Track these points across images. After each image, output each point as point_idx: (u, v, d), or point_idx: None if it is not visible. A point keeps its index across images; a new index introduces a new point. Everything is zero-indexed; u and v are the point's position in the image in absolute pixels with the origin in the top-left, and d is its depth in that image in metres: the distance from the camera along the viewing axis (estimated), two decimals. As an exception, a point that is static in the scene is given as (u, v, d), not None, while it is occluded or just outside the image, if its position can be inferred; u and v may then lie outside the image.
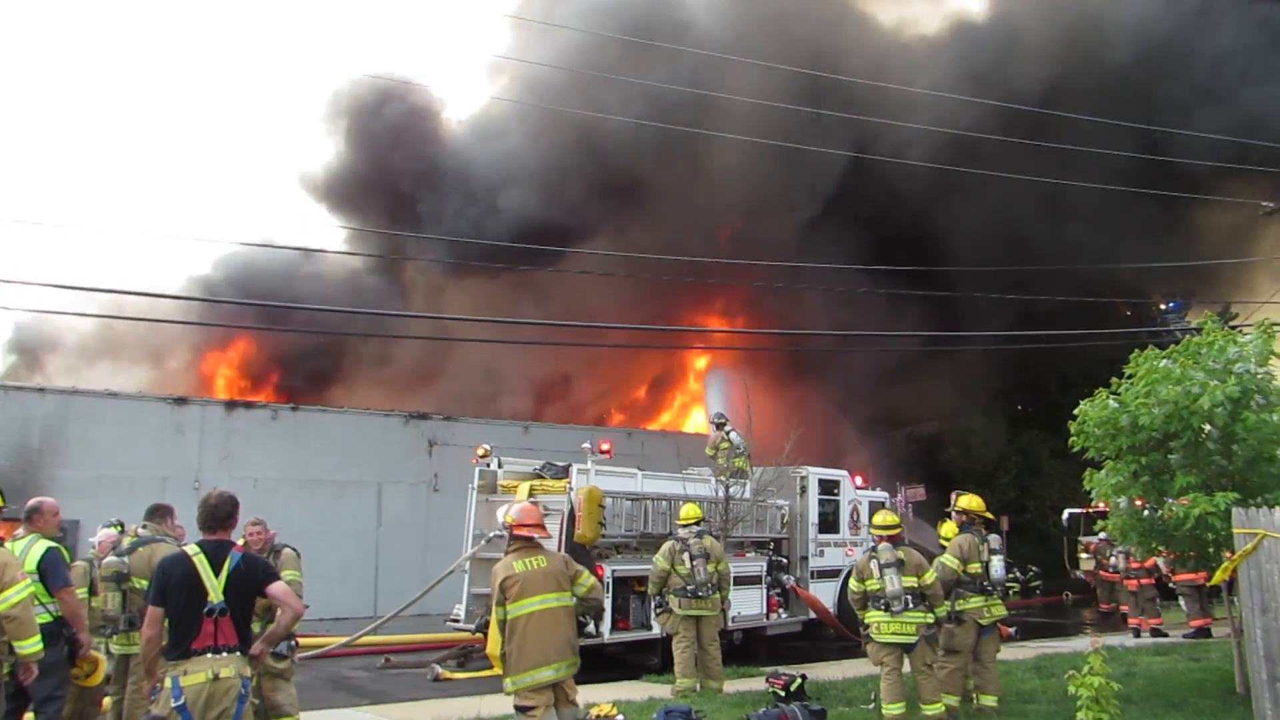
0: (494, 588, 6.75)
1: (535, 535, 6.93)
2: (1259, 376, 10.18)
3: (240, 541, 8.17)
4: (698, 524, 11.84)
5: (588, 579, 7.03)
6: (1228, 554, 9.30)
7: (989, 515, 10.45)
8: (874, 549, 9.69)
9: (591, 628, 12.81)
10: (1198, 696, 10.63)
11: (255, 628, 6.74)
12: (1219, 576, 9.46)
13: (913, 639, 9.34)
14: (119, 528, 9.50)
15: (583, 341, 22.20)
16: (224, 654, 5.30)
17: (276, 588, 5.57)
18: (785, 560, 16.46)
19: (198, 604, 5.31)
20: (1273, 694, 8.39)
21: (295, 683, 8.34)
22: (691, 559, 11.41)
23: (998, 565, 10.02)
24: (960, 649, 9.85)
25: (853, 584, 9.77)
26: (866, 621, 9.61)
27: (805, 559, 16.63)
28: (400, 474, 20.91)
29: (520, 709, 6.56)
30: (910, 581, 9.47)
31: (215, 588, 5.35)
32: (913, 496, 20.80)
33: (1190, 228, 27.10)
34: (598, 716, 8.47)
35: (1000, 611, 10.12)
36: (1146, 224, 27.01)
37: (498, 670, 12.18)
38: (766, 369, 25.25)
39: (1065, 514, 27.30)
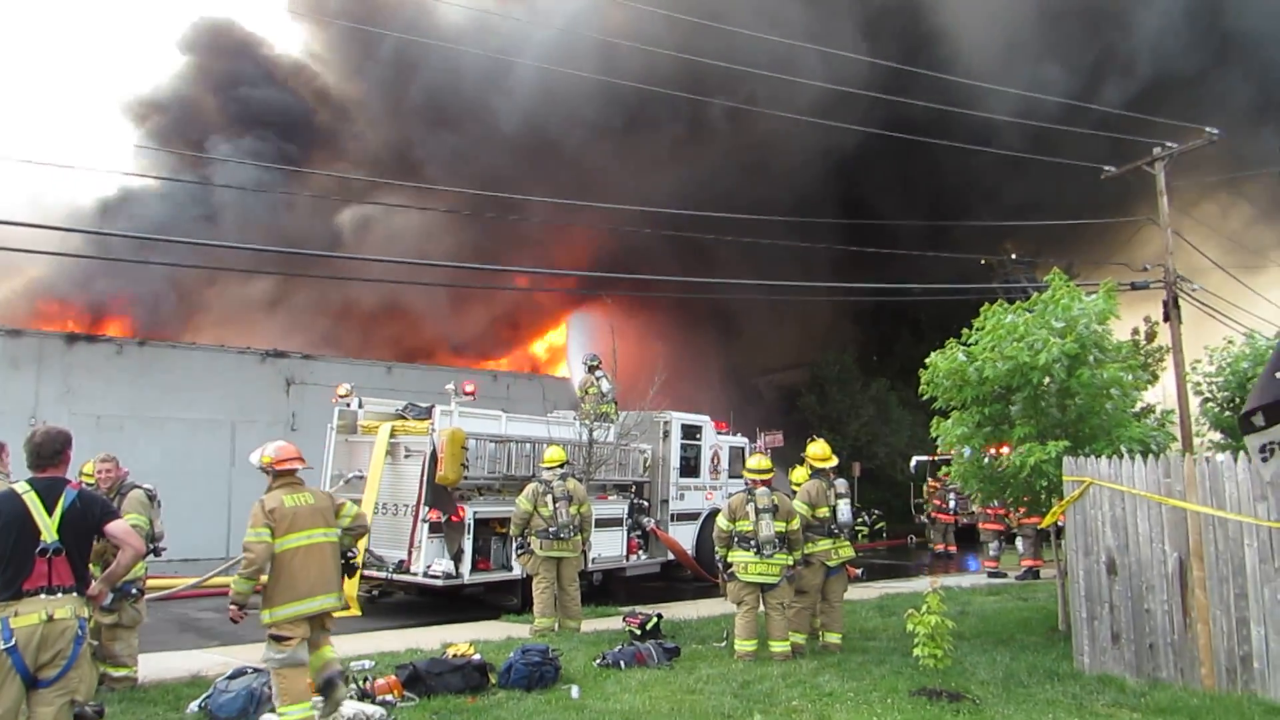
0: (256, 514, 6.64)
1: (297, 467, 6.96)
2: (1098, 333, 10.70)
3: (81, 479, 7.96)
4: (561, 466, 11.87)
5: (351, 509, 7.09)
6: (1058, 500, 9.82)
7: (833, 461, 10.77)
8: (750, 492, 9.97)
9: (451, 568, 12.82)
10: (1024, 633, 11.28)
11: (95, 570, 6.54)
12: (1049, 520, 9.99)
13: (775, 580, 9.72)
14: None
15: (441, 282, 21.99)
16: (59, 595, 5.08)
17: (115, 526, 5.37)
18: (646, 503, 16.71)
19: (29, 543, 5.09)
20: (1090, 631, 8.99)
21: (142, 626, 8.10)
22: (554, 501, 11.46)
23: (844, 509, 10.40)
24: (808, 589, 10.22)
25: (722, 522, 9.99)
26: (730, 560, 9.87)
27: (666, 502, 16.92)
28: (256, 413, 20.23)
29: (277, 638, 6.56)
30: (780, 527, 9.83)
31: (49, 526, 5.12)
32: (771, 442, 21.23)
33: (1041, 189, 28.34)
34: (455, 656, 8.45)
35: (848, 554, 10.49)
36: (1002, 182, 28.22)
37: (354, 611, 12.26)
38: (634, 314, 25.35)
39: (913, 460, 28.45)
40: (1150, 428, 10.89)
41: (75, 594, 5.15)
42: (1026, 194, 28.43)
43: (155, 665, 8.63)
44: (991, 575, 17.94)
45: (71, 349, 18.45)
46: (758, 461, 10.34)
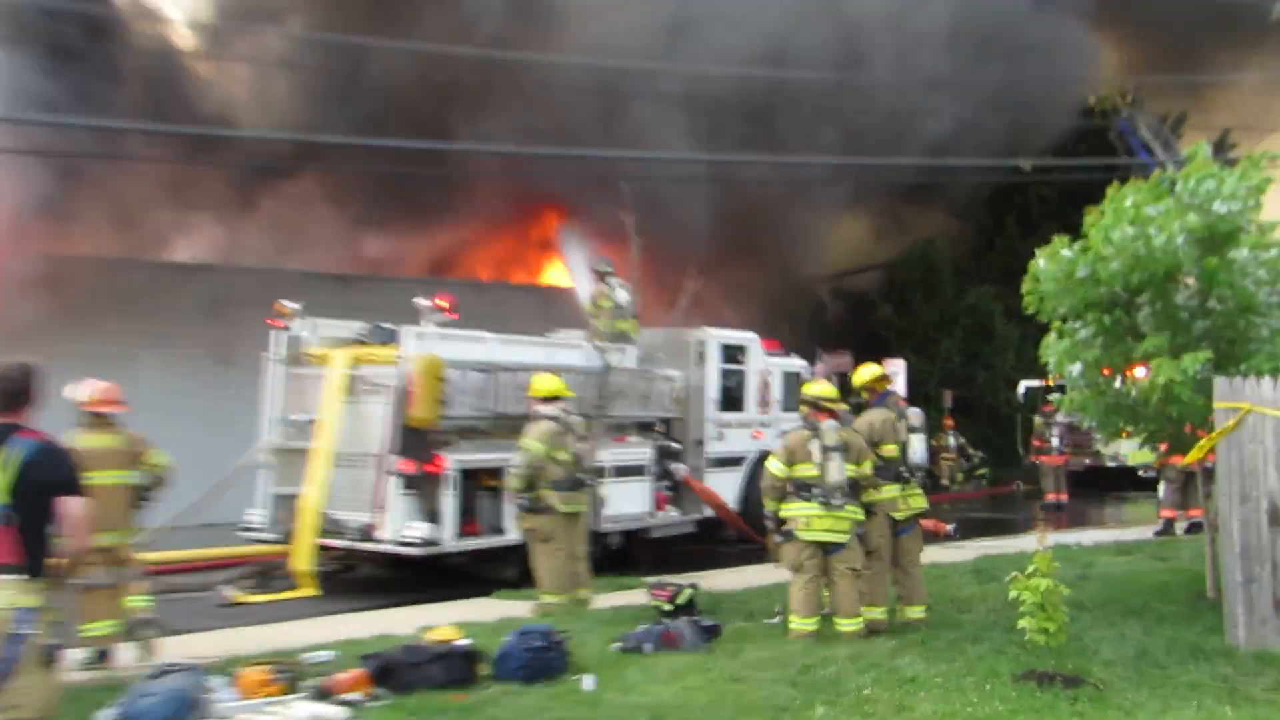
0: None
1: (109, 411, 9.06)
2: (1239, 213, 10.40)
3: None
4: (555, 400, 11.88)
5: (153, 456, 9.30)
6: (1203, 433, 9.80)
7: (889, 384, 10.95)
8: (813, 427, 9.99)
9: (429, 532, 13.03)
10: (1161, 601, 11.31)
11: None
12: (1192, 457, 10.00)
13: (845, 538, 9.78)
14: None
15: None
16: None
17: (72, 504, 5.32)
18: (677, 445, 16.79)
19: None
20: (1247, 596, 8.99)
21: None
22: (576, 442, 11.63)
23: (918, 447, 10.55)
24: (877, 549, 10.33)
25: (776, 468, 9.98)
26: (785, 515, 9.91)
27: (701, 444, 17.01)
28: (172, 340, 20.29)
29: None
30: (851, 470, 9.86)
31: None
32: (836, 366, 21.23)
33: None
34: (436, 643, 8.59)
35: (919, 504, 10.63)
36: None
37: (308, 590, 12.45)
38: (658, 205, 25.13)
39: (1021, 386, 28.48)
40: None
41: (22, 575, 5.09)
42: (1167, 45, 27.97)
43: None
44: (1158, 533, 18.00)
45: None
46: (821, 387, 10.37)
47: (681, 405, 16.97)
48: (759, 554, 13.01)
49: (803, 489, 9.84)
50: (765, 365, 18.19)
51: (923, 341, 31.92)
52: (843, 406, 10.46)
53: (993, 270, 33.89)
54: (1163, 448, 12.41)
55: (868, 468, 10.01)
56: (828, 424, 9.99)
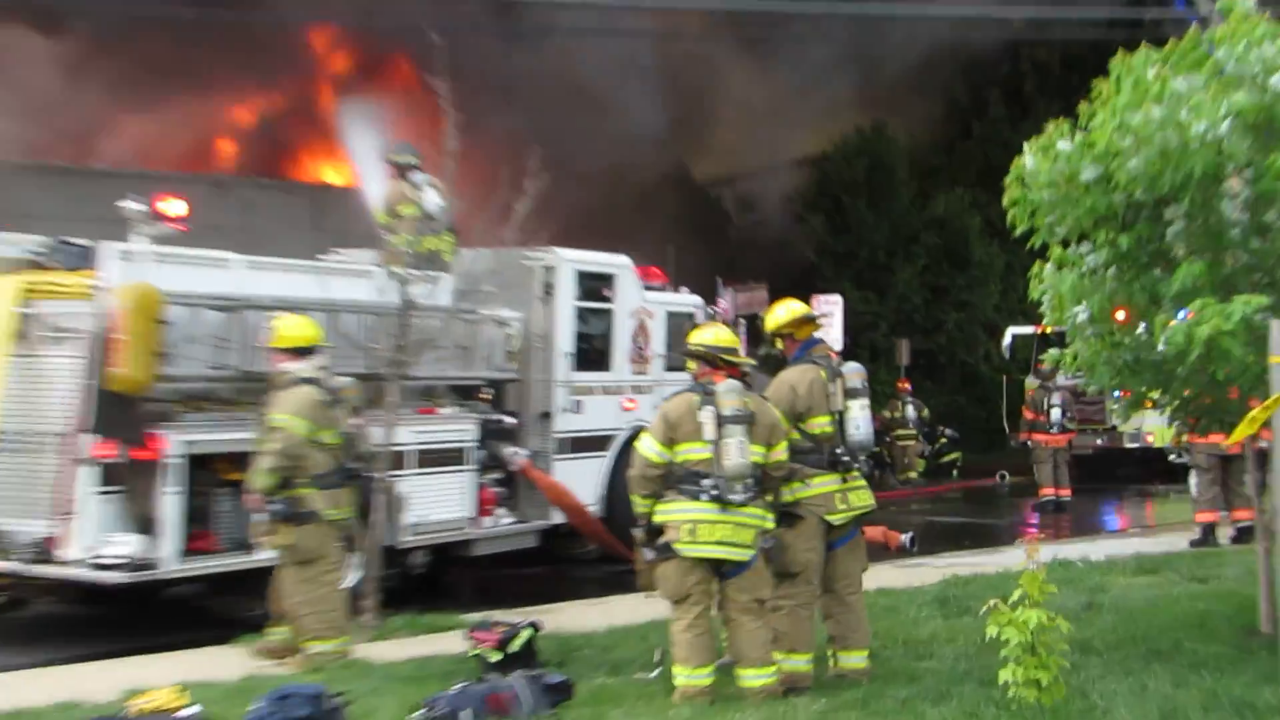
0: None
1: None
2: None
3: None
4: (310, 352, 11.82)
5: None
6: (1254, 402, 9.93)
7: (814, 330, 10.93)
8: (705, 390, 9.82)
9: (138, 549, 12.81)
10: (1198, 640, 11.40)
11: None
12: (1238, 435, 10.15)
13: (749, 554, 9.70)
14: None
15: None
16: None
17: None
18: (512, 420, 16.85)
19: None
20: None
21: None
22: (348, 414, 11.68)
23: (860, 420, 10.36)
24: (802, 568, 10.20)
25: (649, 449, 9.84)
26: (661, 520, 9.77)
27: (548, 418, 17.07)
28: None
29: None
30: (759, 454, 9.73)
31: None
32: (747, 303, 21.72)
33: None
34: (148, 714, 8.51)
35: (862, 502, 10.45)
36: None
37: None
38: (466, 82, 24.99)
39: (1007, 336, 28.92)
40: None
41: None
42: None
43: None
44: (1195, 543, 18.33)
45: None
46: (717, 333, 10.33)
47: (519, 361, 16.94)
48: (631, 577, 12.78)
49: (688, 480, 9.65)
50: (643, 303, 18.25)
51: (868, 270, 32.25)
52: (750, 362, 10.47)
53: (969, 169, 34.38)
54: (1192, 423, 12.69)
55: (781, 450, 9.89)
56: (726, 386, 9.78)
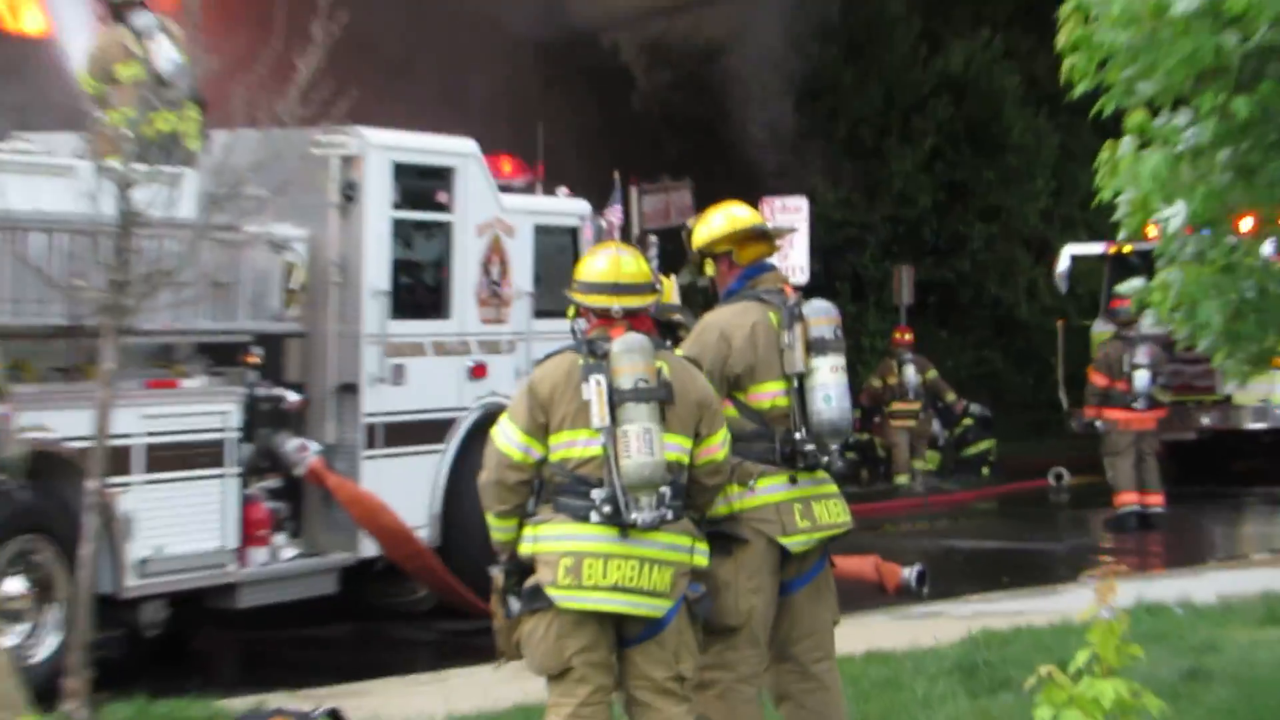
0: None
1: None
2: None
3: None
4: None
5: None
6: None
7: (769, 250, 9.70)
8: (595, 348, 8.29)
9: None
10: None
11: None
12: None
13: (663, 606, 8.14)
14: None
15: None
16: None
17: None
18: (295, 396, 15.12)
19: None
20: None
21: None
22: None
23: (833, 389, 8.83)
24: (741, 623, 8.72)
25: (510, 439, 8.36)
26: (530, 552, 8.23)
27: (353, 392, 15.16)
28: None
29: None
30: (679, 449, 8.12)
31: None
32: (663, 211, 21.16)
33: None
34: None
35: (837, 516, 8.98)
36: None
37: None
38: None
39: (1064, 257, 26.21)
40: None
41: None
42: None
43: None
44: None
45: None
46: (611, 261, 8.54)
47: (306, 306, 15.11)
48: (483, 639, 10.50)
49: (569, 491, 8.12)
50: (498, 214, 16.34)
51: (850, 157, 30.41)
52: (673, 305, 9.48)
53: (1001, 1, 32.03)
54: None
55: (721, 444, 8.27)
56: (627, 342, 8.08)
